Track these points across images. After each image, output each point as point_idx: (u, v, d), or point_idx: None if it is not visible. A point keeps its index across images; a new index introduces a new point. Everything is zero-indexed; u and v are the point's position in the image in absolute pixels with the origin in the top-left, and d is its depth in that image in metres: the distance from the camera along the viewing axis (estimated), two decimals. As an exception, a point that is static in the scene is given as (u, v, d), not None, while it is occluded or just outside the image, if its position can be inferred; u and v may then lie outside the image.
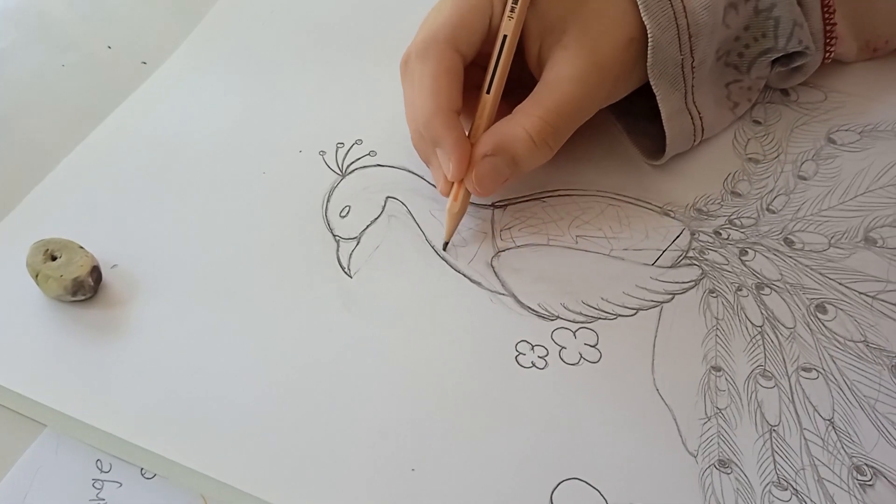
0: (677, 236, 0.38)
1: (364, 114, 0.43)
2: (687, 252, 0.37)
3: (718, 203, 0.39)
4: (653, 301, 0.36)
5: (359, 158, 0.41)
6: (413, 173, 0.40)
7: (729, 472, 0.31)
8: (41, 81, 0.45)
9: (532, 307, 0.35)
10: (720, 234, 0.38)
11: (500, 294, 0.36)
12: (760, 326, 0.35)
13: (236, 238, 0.38)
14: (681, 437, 0.32)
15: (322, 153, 0.41)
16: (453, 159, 0.35)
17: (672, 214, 0.38)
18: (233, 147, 0.42)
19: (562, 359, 0.34)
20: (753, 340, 0.34)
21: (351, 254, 0.37)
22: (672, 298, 0.36)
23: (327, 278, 0.36)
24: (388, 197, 0.39)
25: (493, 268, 0.37)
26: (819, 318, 0.35)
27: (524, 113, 0.35)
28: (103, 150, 0.42)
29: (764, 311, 0.35)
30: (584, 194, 0.39)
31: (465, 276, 0.36)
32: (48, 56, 0.46)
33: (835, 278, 0.36)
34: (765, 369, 0.34)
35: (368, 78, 0.44)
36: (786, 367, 0.34)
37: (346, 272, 0.37)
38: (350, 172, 0.40)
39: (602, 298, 0.35)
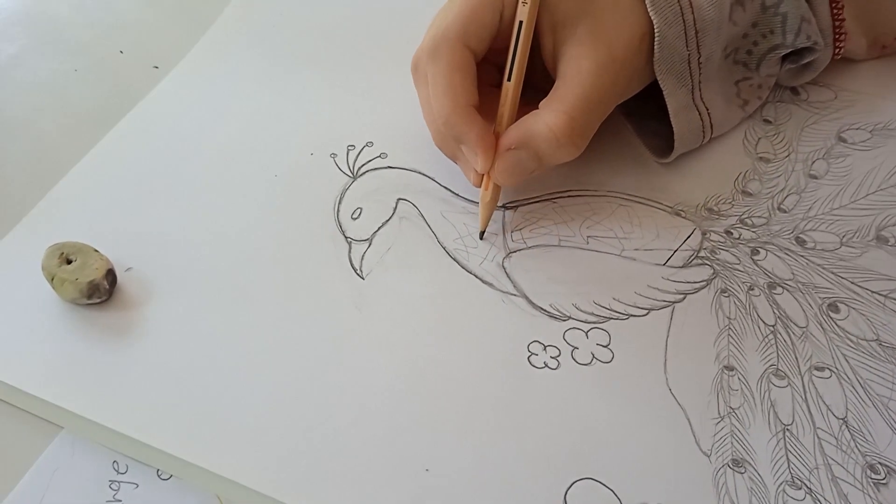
0: (688, 236, 0.38)
1: (375, 116, 0.43)
2: (698, 252, 0.37)
3: (729, 203, 0.39)
4: (665, 301, 0.36)
5: (370, 160, 0.41)
6: (424, 175, 0.40)
7: (742, 471, 0.31)
8: (53, 86, 0.45)
9: (544, 308, 0.35)
10: (731, 233, 0.38)
11: (512, 295, 0.36)
12: (773, 326, 0.35)
13: (249, 240, 0.38)
14: (694, 436, 0.32)
15: (333, 155, 0.41)
16: (480, 152, 0.35)
17: (683, 214, 0.38)
18: (244, 150, 0.42)
19: (574, 359, 0.34)
20: (766, 340, 0.34)
21: (363, 255, 0.37)
22: (684, 298, 0.36)
23: (339, 280, 0.36)
24: (400, 199, 0.39)
25: (504, 269, 0.37)
26: (831, 317, 0.35)
27: (548, 108, 0.35)
28: (116, 153, 0.42)
29: (776, 311, 0.35)
30: (595, 195, 0.39)
31: (476, 276, 0.36)
32: (60, 61, 0.46)
33: (847, 277, 0.36)
34: (777, 368, 0.34)
35: (379, 80, 0.44)
36: (798, 367, 0.34)
37: (358, 274, 0.37)
38: (361, 174, 0.40)
39: (614, 298, 0.36)
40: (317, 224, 0.38)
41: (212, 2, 0.48)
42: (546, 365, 0.34)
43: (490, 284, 0.36)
